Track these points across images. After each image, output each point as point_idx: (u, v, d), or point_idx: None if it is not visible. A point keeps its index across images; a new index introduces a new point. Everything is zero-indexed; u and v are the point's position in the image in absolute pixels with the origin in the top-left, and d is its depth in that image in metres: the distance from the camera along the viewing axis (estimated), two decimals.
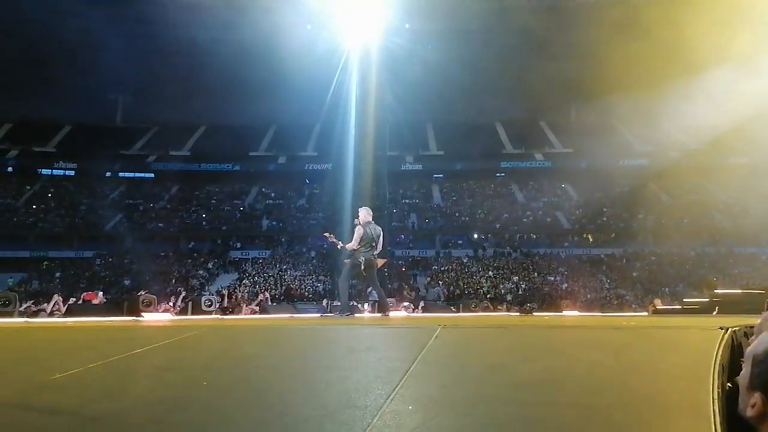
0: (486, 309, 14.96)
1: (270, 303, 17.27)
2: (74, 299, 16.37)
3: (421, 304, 17.34)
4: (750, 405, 1.32)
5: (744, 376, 1.39)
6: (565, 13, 42.57)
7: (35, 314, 12.02)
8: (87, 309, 12.93)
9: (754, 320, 3.90)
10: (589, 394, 1.95)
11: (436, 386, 2.19)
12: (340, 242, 8.76)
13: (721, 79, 34.78)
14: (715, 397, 1.84)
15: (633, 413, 1.80)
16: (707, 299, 11.02)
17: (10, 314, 8.91)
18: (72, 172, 46.55)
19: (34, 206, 42.55)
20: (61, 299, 14.25)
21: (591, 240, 41.18)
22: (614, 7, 39.58)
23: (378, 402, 1.89)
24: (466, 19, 40.13)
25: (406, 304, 17.01)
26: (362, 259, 8.29)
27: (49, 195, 44.12)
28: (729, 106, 35.53)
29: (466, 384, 2.18)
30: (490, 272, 35.31)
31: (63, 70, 40.63)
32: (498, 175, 48.41)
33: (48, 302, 13.95)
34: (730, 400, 1.97)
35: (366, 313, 11.48)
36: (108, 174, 45.75)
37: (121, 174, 46.82)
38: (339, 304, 10.02)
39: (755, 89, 34.20)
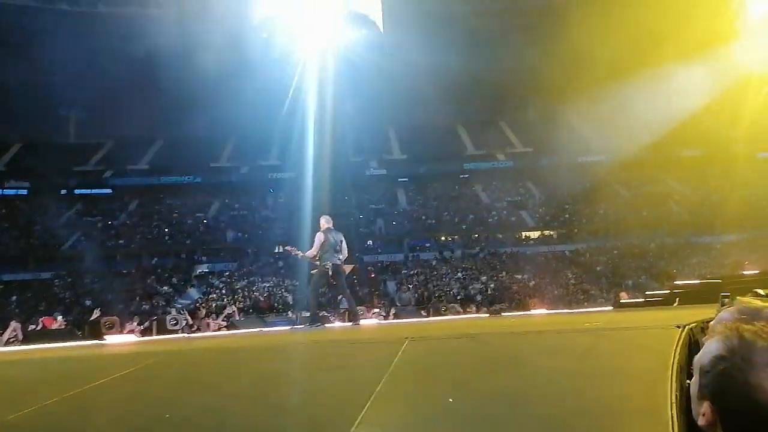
0: (455, 312, 15.09)
1: (238, 317, 17.00)
2: (33, 326, 15.78)
3: (393, 310, 17.35)
4: (701, 414, 1.35)
5: (694, 383, 1.42)
6: (515, 15, 43.52)
7: None
8: (47, 335, 12.48)
9: (712, 311, 4.01)
10: (552, 404, 1.98)
11: (403, 406, 2.18)
12: (300, 252, 8.76)
13: (672, 74, 36.05)
14: (673, 400, 1.87)
15: (594, 421, 1.83)
16: (668, 291, 11.34)
17: None
18: (25, 191, 44.94)
19: None
20: (20, 326, 13.70)
21: (555, 237, 41.99)
22: (565, 7, 40.57)
23: (345, 428, 1.87)
24: (419, 25, 40.54)
25: (376, 310, 17.00)
26: (329, 265, 8.29)
27: (1, 216, 42.46)
28: (680, 100, 36.82)
29: (433, 401, 2.18)
30: (459, 273, 35.61)
31: (9, 87, 39.19)
32: (462, 176, 48.94)
33: (4, 329, 13.41)
34: (688, 401, 2.02)
35: (336, 323, 11.42)
36: (63, 191, 44.37)
37: (76, 191, 45.45)
38: (309, 315, 9.95)
39: (705, 83, 35.58)
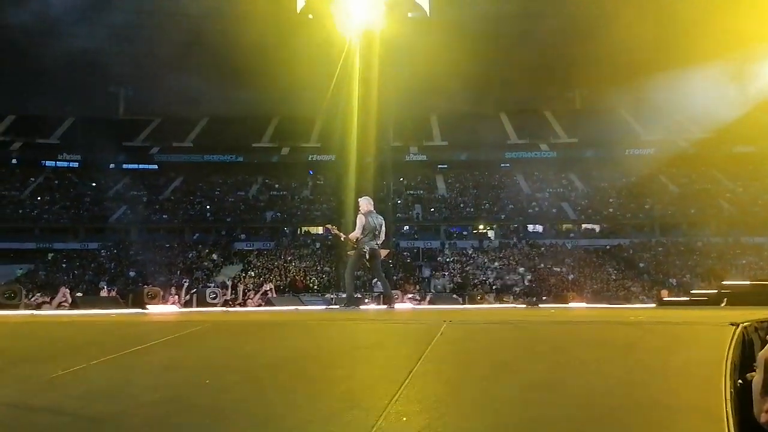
0: (490, 301, 14.95)
1: (274, 295, 17.28)
2: (81, 293, 16.45)
3: (428, 296, 17.33)
4: (764, 410, 1.28)
5: (757, 381, 1.35)
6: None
7: (39, 306, 12.07)
8: (93, 301, 12.97)
9: (764, 313, 3.84)
10: (597, 395, 1.92)
11: (441, 385, 2.16)
12: (342, 234, 8.74)
13: (728, 67, 34.48)
14: (728, 397, 1.79)
15: (642, 415, 1.76)
16: (715, 291, 10.92)
17: (16, 306, 8.94)
18: (76, 164, 46.72)
19: (38, 198, 42.75)
20: (69, 291, 14.29)
21: (597, 230, 41.02)
22: None
23: (383, 402, 1.86)
24: (467, 8, 39.84)
25: (410, 295, 17.01)
26: (366, 249, 8.23)
27: (54, 187, 44.26)
28: (735, 94, 35.23)
29: (472, 383, 2.15)
30: (496, 263, 35.27)
31: (63, 64, 40.48)
32: (503, 165, 48.25)
33: (54, 294, 14.01)
34: (742, 399, 1.93)
35: (371, 305, 11.48)
36: (112, 166, 45.87)
37: (124, 166, 46.97)
38: (344, 296, 10.02)
39: (761, 77, 33.91)
